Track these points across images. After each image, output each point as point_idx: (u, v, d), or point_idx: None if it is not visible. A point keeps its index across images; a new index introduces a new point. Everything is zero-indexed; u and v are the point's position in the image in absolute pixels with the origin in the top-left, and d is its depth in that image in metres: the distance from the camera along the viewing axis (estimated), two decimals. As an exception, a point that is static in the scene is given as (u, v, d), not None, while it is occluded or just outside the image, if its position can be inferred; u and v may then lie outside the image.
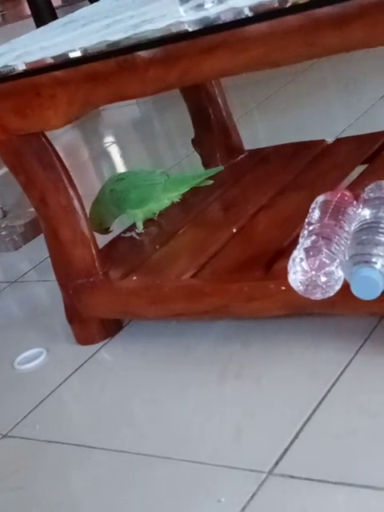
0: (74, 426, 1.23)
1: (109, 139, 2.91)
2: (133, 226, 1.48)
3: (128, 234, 1.47)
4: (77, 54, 1.14)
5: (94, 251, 1.36)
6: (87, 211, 1.38)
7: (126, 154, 2.65)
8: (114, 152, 2.74)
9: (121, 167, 2.53)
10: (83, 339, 1.41)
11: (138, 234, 1.46)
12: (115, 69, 1.11)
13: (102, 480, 1.07)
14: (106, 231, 1.51)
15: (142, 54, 1.07)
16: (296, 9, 0.93)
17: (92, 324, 1.40)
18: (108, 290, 1.35)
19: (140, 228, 1.46)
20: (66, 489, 1.10)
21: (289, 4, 0.94)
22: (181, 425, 1.12)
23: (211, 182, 1.46)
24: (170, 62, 1.06)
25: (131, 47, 1.08)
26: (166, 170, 1.51)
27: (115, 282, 1.34)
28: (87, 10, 1.56)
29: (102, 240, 1.47)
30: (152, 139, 2.72)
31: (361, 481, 0.91)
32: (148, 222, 1.49)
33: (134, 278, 1.32)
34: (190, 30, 1.02)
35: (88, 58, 1.13)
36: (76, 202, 1.33)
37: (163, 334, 1.36)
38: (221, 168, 1.51)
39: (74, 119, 1.24)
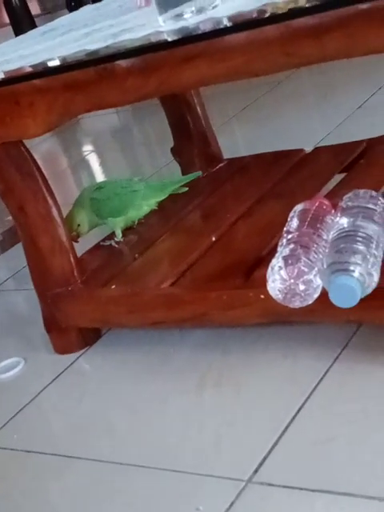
0: (52, 436, 1.23)
1: (87, 148, 2.91)
2: (112, 235, 1.48)
3: (107, 242, 1.47)
4: (56, 62, 1.14)
5: (72, 260, 1.35)
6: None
7: (105, 163, 2.65)
8: (93, 160, 2.74)
9: (100, 176, 2.53)
10: (61, 348, 1.41)
11: (117, 243, 1.46)
12: (94, 78, 1.11)
13: (81, 489, 1.07)
14: (75, 238, 1.47)
15: (121, 63, 1.08)
16: (274, 19, 0.94)
17: (70, 333, 1.39)
18: (87, 299, 1.34)
19: (119, 236, 1.46)
20: (44, 498, 1.09)
21: (267, 14, 0.94)
22: (160, 433, 1.12)
23: (186, 188, 1.46)
24: (149, 72, 1.06)
25: (110, 56, 1.08)
26: (144, 178, 1.50)
27: (94, 290, 1.34)
28: (66, 18, 1.56)
29: (81, 248, 1.46)
30: (131, 148, 2.72)
31: (339, 488, 0.91)
32: (127, 231, 1.48)
33: (113, 286, 1.32)
34: (169, 39, 1.03)
35: (67, 66, 1.12)
36: (54, 211, 1.33)
37: (142, 342, 1.35)
38: (199, 173, 1.51)
39: (53, 128, 1.24)
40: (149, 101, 1.16)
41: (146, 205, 1.46)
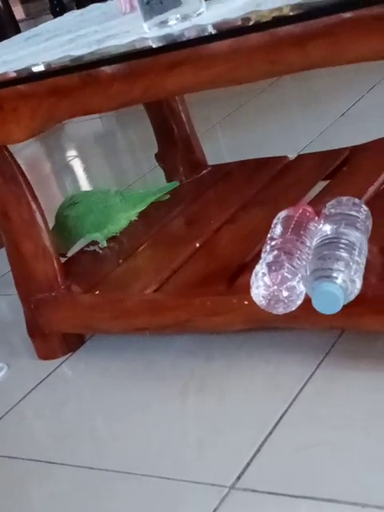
0: (34, 442, 1.22)
1: (71, 153, 2.91)
2: (95, 242, 1.47)
3: (91, 248, 1.47)
4: (40, 68, 1.14)
5: (56, 265, 1.35)
6: (50, 225, 1.38)
7: (89, 169, 2.64)
8: (77, 166, 2.73)
9: (83, 181, 2.53)
10: (45, 354, 1.40)
11: (101, 249, 1.45)
12: (78, 83, 1.11)
13: (63, 496, 1.06)
14: (62, 255, 1.45)
15: (106, 69, 1.08)
16: (259, 27, 0.94)
17: (54, 339, 1.39)
18: (70, 305, 1.34)
19: (104, 244, 1.45)
20: (26, 505, 1.08)
21: (252, 22, 0.95)
22: (142, 440, 1.12)
23: (167, 196, 1.45)
24: (134, 78, 1.06)
25: (95, 62, 1.08)
26: (121, 189, 1.48)
27: (77, 296, 1.34)
28: (51, 24, 1.56)
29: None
30: (115, 153, 2.72)
31: (323, 494, 0.91)
32: (111, 237, 1.48)
33: (97, 292, 1.32)
34: (154, 46, 1.03)
35: (51, 72, 1.12)
36: (38, 216, 1.32)
37: (125, 348, 1.35)
38: (176, 183, 1.50)
39: (37, 133, 1.23)
40: (133, 107, 1.16)
41: (124, 218, 1.44)
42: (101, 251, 1.45)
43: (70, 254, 1.48)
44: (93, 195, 1.48)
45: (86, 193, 1.51)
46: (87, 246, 1.48)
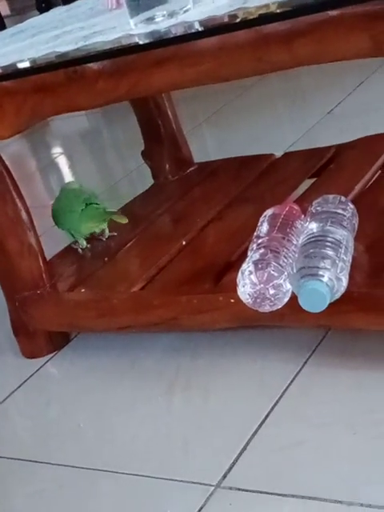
0: (18, 441, 1.21)
1: (57, 150, 2.89)
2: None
3: (76, 246, 1.46)
4: (25, 64, 1.13)
5: (41, 263, 1.34)
6: (35, 222, 1.37)
7: (75, 166, 2.63)
8: (63, 163, 2.72)
9: (69, 179, 2.51)
10: (29, 352, 1.39)
11: (82, 249, 1.45)
12: (64, 80, 1.10)
13: (47, 494, 1.06)
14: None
15: (92, 65, 1.07)
16: (245, 24, 0.94)
17: (38, 337, 1.38)
18: (55, 303, 1.33)
19: (83, 244, 1.44)
20: (9, 503, 1.08)
21: (238, 19, 0.95)
22: (127, 438, 1.12)
23: (126, 220, 1.44)
24: (120, 75, 1.06)
25: (80, 59, 1.07)
26: (93, 196, 1.47)
27: (63, 294, 1.33)
28: (36, 20, 1.55)
29: (50, 252, 1.45)
30: (101, 151, 2.71)
31: (308, 492, 0.91)
32: (97, 235, 1.47)
33: (82, 290, 1.31)
34: (140, 42, 1.02)
35: (37, 68, 1.12)
36: (23, 213, 1.31)
37: (111, 346, 1.35)
38: (125, 219, 1.46)
39: (22, 130, 1.23)
40: (119, 104, 1.16)
41: (84, 227, 1.44)
42: (81, 251, 1.44)
43: (52, 247, 1.49)
44: (66, 195, 1.48)
45: (67, 190, 1.51)
46: (73, 242, 1.48)
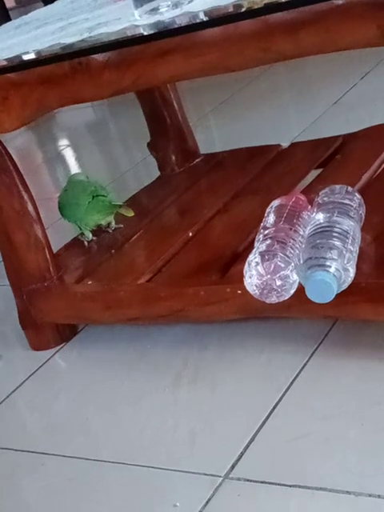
0: (27, 433, 1.22)
1: (63, 142, 2.89)
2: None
3: (82, 238, 1.46)
4: (31, 56, 1.12)
5: (48, 255, 1.34)
6: (41, 214, 1.37)
7: (81, 158, 2.63)
8: (69, 155, 2.72)
9: (75, 171, 2.51)
10: (37, 345, 1.40)
11: (88, 242, 1.45)
12: (69, 72, 1.10)
13: (56, 486, 1.06)
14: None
15: (97, 57, 1.07)
16: (250, 14, 0.94)
17: (46, 329, 1.38)
18: (62, 295, 1.33)
19: (89, 237, 1.45)
20: (18, 496, 1.08)
21: (243, 9, 0.94)
22: (135, 430, 1.12)
23: (132, 213, 1.44)
24: (125, 66, 1.06)
25: (86, 50, 1.07)
26: (102, 186, 1.47)
27: (70, 286, 1.33)
28: (41, 12, 1.55)
29: (57, 244, 1.45)
30: (107, 142, 2.71)
31: (315, 483, 0.91)
32: (104, 227, 1.47)
33: (89, 282, 1.31)
34: (145, 33, 1.02)
35: (42, 60, 1.11)
36: (30, 206, 1.31)
37: (118, 338, 1.35)
38: (131, 212, 1.46)
39: (28, 122, 1.22)
40: (125, 95, 1.16)
41: (90, 219, 1.44)
42: (87, 244, 1.44)
43: (60, 239, 1.49)
44: (73, 188, 1.48)
45: (74, 182, 1.51)
46: (80, 234, 1.48)
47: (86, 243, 1.45)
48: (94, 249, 1.44)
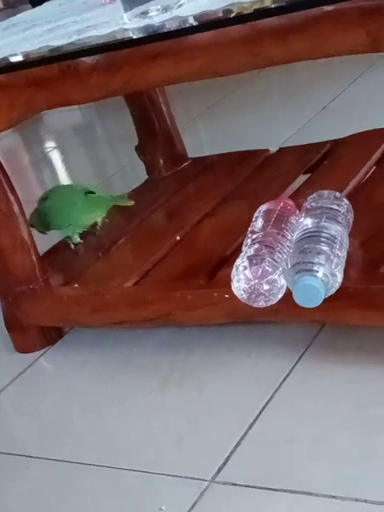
0: (12, 436, 1.21)
1: (50, 144, 2.88)
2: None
3: (69, 241, 1.45)
4: (19, 58, 1.12)
5: (34, 258, 1.34)
6: (28, 217, 1.36)
7: (68, 160, 2.62)
8: (56, 157, 2.71)
9: (62, 173, 2.51)
10: (23, 347, 1.39)
11: (75, 245, 1.44)
12: (58, 74, 1.10)
13: (41, 490, 1.06)
14: (42, 232, 1.48)
15: (86, 60, 1.07)
16: (240, 19, 0.94)
17: (32, 332, 1.38)
18: (49, 298, 1.33)
19: (76, 240, 1.44)
20: (3, 499, 1.07)
21: (233, 14, 0.94)
22: (122, 433, 1.12)
23: (132, 202, 1.44)
24: (114, 69, 1.06)
25: (74, 53, 1.07)
26: (88, 188, 1.47)
27: (56, 289, 1.33)
28: (29, 14, 1.54)
29: (43, 246, 1.45)
30: (94, 145, 2.70)
31: (302, 487, 0.91)
32: (90, 229, 1.47)
33: (76, 285, 1.31)
34: (134, 37, 1.02)
35: (30, 62, 1.11)
36: (16, 208, 1.31)
37: (105, 341, 1.35)
38: (131, 202, 1.47)
39: (15, 124, 1.22)
40: (113, 98, 1.16)
41: (86, 219, 1.43)
42: (73, 247, 1.44)
43: (46, 242, 1.48)
44: (60, 192, 1.48)
45: (57, 188, 1.51)
46: (66, 237, 1.47)
47: (72, 246, 1.44)
48: (80, 252, 1.43)
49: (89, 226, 1.44)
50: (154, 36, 1.00)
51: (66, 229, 1.44)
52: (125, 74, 1.06)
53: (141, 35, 1.01)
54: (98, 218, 1.44)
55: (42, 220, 1.44)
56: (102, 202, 1.43)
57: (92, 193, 1.44)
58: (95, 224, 1.45)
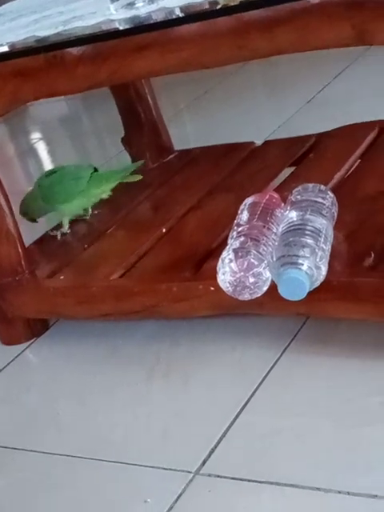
0: (-3, 428, 1.21)
1: (36, 135, 2.87)
2: (60, 225, 1.46)
3: (54, 233, 1.45)
4: (4, 48, 1.12)
5: (20, 249, 1.33)
6: (14, 208, 1.36)
7: (54, 151, 2.61)
8: (41, 149, 2.70)
9: (48, 164, 2.50)
10: (8, 339, 1.39)
11: (63, 234, 1.44)
12: (43, 65, 1.09)
13: (26, 482, 1.06)
14: (32, 221, 1.49)
15: (72, 50, 1.06)
16: (226, 11, 0.94)
17: (17, 324, 1.37)
18: (34, 290, 1.32)
19: (66, 227, 1.44)
20: (-12, 492, 1.07)
21: (219, 6, 0.94)
22: (107, 425, 1.12)
23: (140, 177, 1.45)
24: (100, 60, 1.05)
25: (60, 43, 1.06)
26: (92, 165, 1.48)
27: (42, 281, 1.32)
28: (14, 4, 1.53)
29: (29, 238, 1.44)
30: (80, 137, 2.69)
31: (286, 480, 0.92)
32: (76, 221, 1.47)
33: (62, 277, 1.30)
34: (121, 28, 1.02)
35: (16, 53, 1.11)
36: (1, 199, 1.30)
37: (90, 334, 1.34)
38: (142, 162, 1.49)
39: (1, 115, 1.21)
40: (99, 89, 1.15)
41: (94, 192, 1.44)
42: (63, 236, 1.43)
43: (32, 233, 1.47)
44: (66, 168, 1.49)
45: (62, 166, 1.51)
46: (51, 229, 1.47)
47: (59, 236, 1.44)
48: (66, 243, 1.43)
49: (91, 205, 1.44)
50: (141, 27, 1.00)
51: (70, 204, 1.42)
52: (111, 65, 1.05)
53: (127, 26, 1.01)
54: (104, 194, 1.44)
55: (44, 195, 1.43)
56: (110, 178, 1.43)
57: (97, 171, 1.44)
58: (85, 212, 1.45)
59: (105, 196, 1.45)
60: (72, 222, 1.45)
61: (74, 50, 1.06)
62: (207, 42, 0.98)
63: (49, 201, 1.44)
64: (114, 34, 1.02)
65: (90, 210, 1.47)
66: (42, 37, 1.08)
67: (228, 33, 0.96)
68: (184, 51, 1.00)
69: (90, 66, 1.07)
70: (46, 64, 1.09)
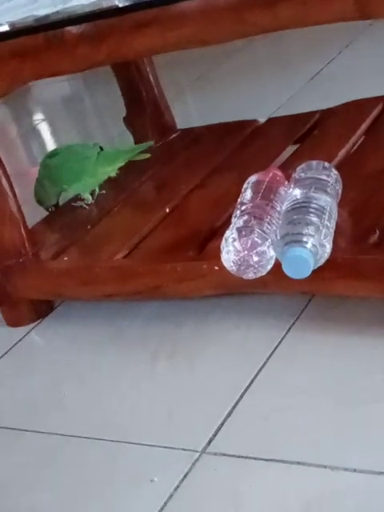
0: (3, 410, 1.21)
1: (38, 116, 2.86)
2: (78, 197, 1.45)
3: (78, 203, 1.44)
4: (3, 28, 1.11)
5: (23, 231, 1.33)
6: (16, 190, 1.35)
7: (56, 132, 2.60)
8: (44, 129, 2.69)
9: (51, 145, 2.49)
10: (13, 321, 1.39)
11: (88, 205, 1.43)
12: (43, 44, 1.08)
13: (33, 462, 1.06)
14: (48, 209, 1.49)
15: (71, 29, 1.05)
16: (228, -14, 0.93)
17: (22, 306, 1.37)
18: (38, 271, 1.32)
19: (89, 199, 1.43)
20: (-4, 473, 1.08)
21: (220, -19, 0.93)
22: (113, 406, 1.12)
23: (148, 155, 1.44)
24: (100, 39, 1.04)
25: (60, 22, 1.05)
26: (98, 144, 1.47)
27: (46, 262, 1.32)
28: (14, -18, 1.52)
29: (32, 219, 1.44)
30: (83, 117, 2.68)
31: (291, 457, 0.92)
32: (79, 203, 1.46)
33: (65, 258, 1.30)
34: (121, 5, 1.00)
35: (15, 32, 1.10)
36: (4, 181, 1.30)
37: (95, 315, 1.34)
38: (151, 143, 1.49)
39: (2, 96, 1.21)
40: (101, 69, 1.14)
41: (101, 172, 1.42)
42: (87, 207, 1.42)
43: (35, 215, 1.47)
44: (72, 147, 1.48)
45: (65, 146, 1.50)
46: (74, 200, 1.45)
47: (85, 206, 1.42)
48: (70, 224, 1.43)
49: (101, 182, 1.43)
50: (141, 4, 0.99)
51: (78, 184, 1.41)
52: (111, 43, 1.04)
53: (127, 4, 1.00)
54: (111, 172, 1.43)
55: (50, 176, 1.42)
56: (118, 156, 1.42)
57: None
58: (93, 192, 1.44)
59: (113, 174, 1.44)
60: (77, 199, 1.44)
61: (74, 29, 1.05)
62: (208, 18, 0.97)
63: (57, 181, 1.43)
64: (114, 12, 1.01)
65: (98, 190, 1.45)
66: (40, 16, 1.07)
67: (229, 8, 0.95)
68: (185, 28, 0.99)
69: (89, 44, 1.06)
70: (45, 43, 1.08)
